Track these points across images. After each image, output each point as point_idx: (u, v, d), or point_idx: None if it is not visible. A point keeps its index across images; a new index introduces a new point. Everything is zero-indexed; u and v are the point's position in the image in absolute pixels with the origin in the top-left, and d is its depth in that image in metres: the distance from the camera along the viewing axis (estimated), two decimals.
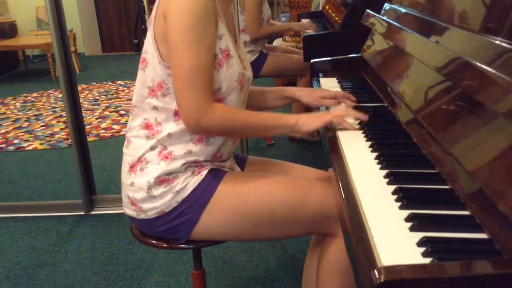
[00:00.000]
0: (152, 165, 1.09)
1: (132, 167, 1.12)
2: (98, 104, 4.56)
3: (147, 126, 1.11)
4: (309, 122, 1.10)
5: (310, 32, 2.89)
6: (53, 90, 5.25)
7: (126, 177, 1.14)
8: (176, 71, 1.01)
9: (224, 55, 1.07)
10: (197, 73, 1.00)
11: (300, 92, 1.32)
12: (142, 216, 1.12)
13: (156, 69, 1.06)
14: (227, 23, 1.12)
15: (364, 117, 1.12)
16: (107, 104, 4.55)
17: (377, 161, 0.92)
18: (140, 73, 1.10)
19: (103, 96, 4.87)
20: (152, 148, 1.10)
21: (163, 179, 1.08)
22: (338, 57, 1.68)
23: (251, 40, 2.84)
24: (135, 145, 1.12)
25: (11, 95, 5.09)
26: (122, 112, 4.26)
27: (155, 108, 1.09)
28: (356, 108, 1.21)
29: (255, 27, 2.82)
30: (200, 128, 1.04)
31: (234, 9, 1.26)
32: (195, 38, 0.99)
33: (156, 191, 1.08)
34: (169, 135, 1.09)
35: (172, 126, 1.09)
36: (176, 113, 1.08)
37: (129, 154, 1.13)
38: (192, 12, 0.98)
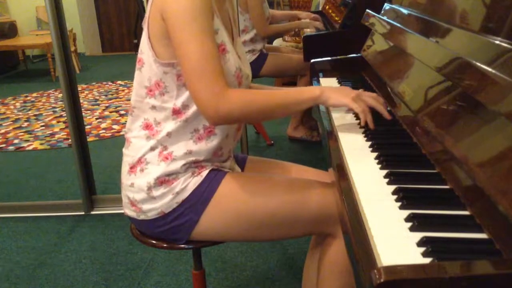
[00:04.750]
0: (152, 166, 1.09)
1: (132, 168, 1.12)
2: (98, 104, 4.56)
3: (147, 126, 1.11)
4: (336, 97, 1.06)
5: (317, 28, 2.90)
6: (53, 90, 5.25)
7: (126, 178, 1.14)
8: (185, 65, 1.00)
9: (220, 50, 1.06)
10: (206, 62, 0.98)
11: None
12: (142, 217, 1.12)
13: (152, 68, 1.06)
14: (223, 19, 1.11)
15: (388, 116, 1.08)
16: (107, 104, 4.55)
17: (377, 161, 0.92)
18: (137, 73, 1.10)
19: (103, 96, 4.87)
20: (152, 149, 1.10)
21: (163, 180, 1.08)
22: (338, 57, 1.68)
23: (252, 39, 2.85)
24: (135, 145, 1.12)
25: (11, 95, 5.08)
26: (122, 112, 4.26)
27: (153, 107, 1.09)
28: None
29: (263, 25, 2.83)
30: (220, 116, 1.00)
31: (233, 7, 1.25)
32: (198, 29, 0.98)
33: (156, 192, 1.08)
34: (169, 135, 1.09)
35: (171, 125, 1.08)
36: (174, 112, 1.08)
37: (129, 155, 1.13)
38: (190, 6, 0.97)
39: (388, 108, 1.22)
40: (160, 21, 1.02)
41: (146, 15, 1.06)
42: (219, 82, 0.99)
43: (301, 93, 1.06)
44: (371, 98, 1.10)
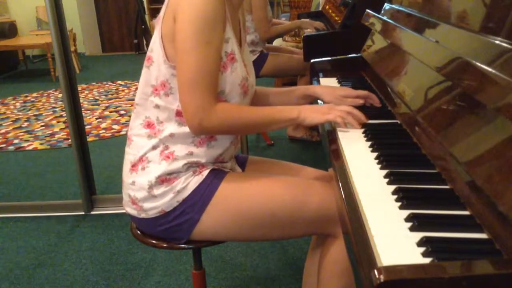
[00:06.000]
0: (154, 165, 1.09)
1: (133, 166, 1.12)
2: (98, 104, 4.56)
3: (149, 125, 1.11)
4: (311, 116, 1.09)
5: (317, 28, 2.90)
6: (53, 90, 5.25)
7: (127, 176, 1.14)
8: (182, 72, 1.01)
9: (229, 59, 1.07)
10: (203, 75, 1.00)
11: (322, 90, 1.29)
12: (143, 215, 1.13)
13: (160, 68, 1.06)
14: (234, 27, 1.12)
15: (365, 119, 1.11)
16: (107, 104, 4.55)
17: (377, 161, 0.92)
18: (144, 71, 1.10)
19: (103, 96, 4.87)
20: (154, 148, 1.10)
21: (164, 179, 1.08)
22: (338, 57, 1.68)
23: (253, 41, 2.85)
24: (137, 144, 1.12)
25: (11, 95, 5.08)
26: (122, 112, 4.26)
27: (157, 106, 1.09)
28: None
29: (265, 28, 2.83)
30: (202, 129, 1.04)
31: (242, 15, 1.25)
32: (203, 40, 0.99)
33: (157, 191, 1.09)
34: (171, 135, 1.09)
35: (175, 127, 1.09)
36: (178, 113, 1.08)
37: (131, 153, 1.13)
38: (202, 14, 0.98)
39: (388, 108, 1.22)
40: (172, 22, 1.02)
41: (161, 13, 1.07)
42: (209, 97, 1.02)
43: (280, 114, 1.09)
44: (347, 109, 1.10)
